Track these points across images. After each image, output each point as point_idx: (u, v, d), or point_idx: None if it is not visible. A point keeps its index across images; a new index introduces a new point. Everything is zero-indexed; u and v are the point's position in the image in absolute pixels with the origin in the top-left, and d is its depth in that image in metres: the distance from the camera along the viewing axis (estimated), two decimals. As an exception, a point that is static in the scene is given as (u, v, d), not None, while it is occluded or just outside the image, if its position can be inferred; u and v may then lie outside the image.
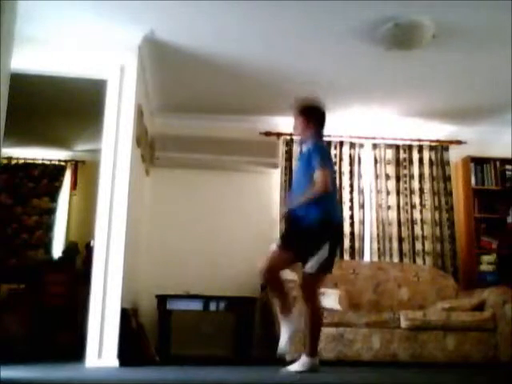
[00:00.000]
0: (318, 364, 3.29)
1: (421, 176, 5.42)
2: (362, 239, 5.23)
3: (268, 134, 5.41)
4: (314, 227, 3.21)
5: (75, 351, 3.73)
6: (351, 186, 5.33)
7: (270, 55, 4.24)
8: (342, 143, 5.39)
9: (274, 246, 3.31)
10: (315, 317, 3.32)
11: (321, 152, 3.33)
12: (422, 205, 5.35)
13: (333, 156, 5.10)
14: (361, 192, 5.30)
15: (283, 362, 3.93)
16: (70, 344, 4.37)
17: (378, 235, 5.26)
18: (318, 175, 3.21)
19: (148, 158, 5.07)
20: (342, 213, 5.07)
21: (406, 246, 5.24)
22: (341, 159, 5.37)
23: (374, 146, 5.45)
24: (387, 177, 5.40)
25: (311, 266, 3.23)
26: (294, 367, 3.27)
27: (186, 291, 4.60)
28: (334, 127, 5.07)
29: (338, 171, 5.27)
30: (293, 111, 3.53)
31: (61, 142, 6.10)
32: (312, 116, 3.47)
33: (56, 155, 6.28)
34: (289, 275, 4.48)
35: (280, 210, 5.20)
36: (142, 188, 4.93)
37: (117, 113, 3.88)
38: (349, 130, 5.41)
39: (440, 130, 5.52)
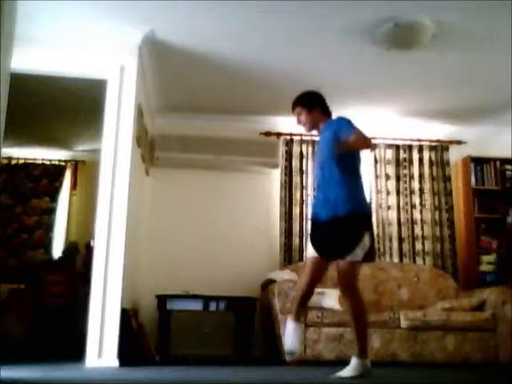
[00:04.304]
0: (370, 366, 3.02)
1: (421, 176, 5.42)
2: (361, 239, 5.22)
3: (268, 134, 5.41)
4: (348, 220, 2.99)
5: (75, 351, 3.73)
6: (351, 186, 5.33)
7: (270, 55, 4.25)
8: (342, 143, 5.39)
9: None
10: (357, 312, 3.03)
11: (349, 121, 3.06)
12: (422, 205, 5.35)
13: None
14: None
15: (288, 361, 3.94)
16: (69, 344, 4.37)
17: (378, 235, 5.25)
18: (354, 135, 2.95)
19: (148, 158, 5.07)
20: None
21: (406, 246, 5.24)
22: (341, 159, 5.37)
23: (374, 146, 5.45)
24: (387, 177, 5.40)
25: (355, 254, 2.96)
26: (345, 372, 2.97)
27: (186, 291, 4.60)
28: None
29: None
30: (292, 108, 3.33)
31: (61, 142, 6.10)
32: (312, 101, 3.27)
33: (56, 155, 6.27)
34: (289, 275, 4.49)
35: (280, 210, 5.21)
36: (142, 188, 4.93)
37: (117, 113, 3.88)
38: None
39: (440, 130, 5.52)
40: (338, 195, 3.02)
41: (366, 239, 2.99)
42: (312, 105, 3.26)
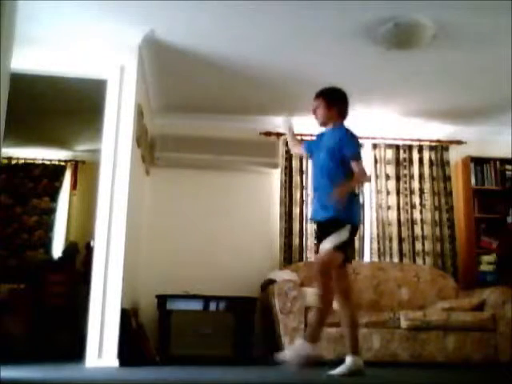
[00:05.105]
0: (361, 364, 3.08)
1: (421, 176, 5.41)
2: (361, 239, 5.22)
3: (268, 134, 5.41)
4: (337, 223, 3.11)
5: (75, 351, 3.73)
6: (351, 186, 5.33)
7: (270, 55, 4.24)
8: (342, 143, 5.39)
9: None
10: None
11: (356, 141, 3.26)
12: (422, 205, 5.34)
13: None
14: (361, 192, 5.30)
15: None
16: (69, 344, 4.37)
17: (377, 235, 5.25)
18: (357, 166, 3.15)
19: (148, 158, 5.07)
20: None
21: (406, 246, 5.24)
22: (341, 159, 5.37)
23: (374, 146, 5.45)
24: (387, 177, 5.39)
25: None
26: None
27: (186, 291, 4.60)
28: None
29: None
30: (314, 97, 3.36)
31: (61, 142, 6.10)
32: (334, 99, 3.31)
33: (56, 155, 6.28)
34: (289, 275, 4.49)
35: (280, 210, 5.21)
36: (141, 188, 4.93)
37: (117, 113, 3.88)
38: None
39: (440, 130, 5.51)
40: (331, 201, 3.13)
41: (344, 233, 3.08)
42: (333, 102, 3.30)
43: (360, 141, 5.18)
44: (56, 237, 6.08)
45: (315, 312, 3.19)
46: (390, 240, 5.26)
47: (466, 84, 4.67)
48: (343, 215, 3.11)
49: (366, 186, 5.37)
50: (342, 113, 3.33)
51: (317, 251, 3.30)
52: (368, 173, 3.37)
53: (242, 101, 5.11)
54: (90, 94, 4.24)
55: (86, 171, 6.20)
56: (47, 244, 6.02)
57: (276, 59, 4.31)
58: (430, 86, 4.74)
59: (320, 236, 3.27)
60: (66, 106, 5.04)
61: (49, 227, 6.07)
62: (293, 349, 3.11)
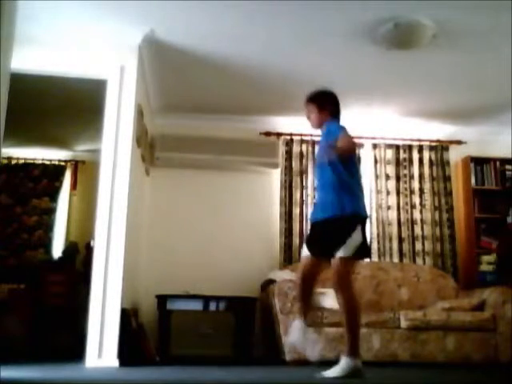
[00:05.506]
0: (361, 366, 2.92)
1: (421, 176, 5.42)
2: (361, 239, 5.21)
3: (268, 134, 5.41)
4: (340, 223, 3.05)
5: (75, 351, 3.73)
6: (351, 186, 5.32)
7: (270, 55, 4.24)
8: (342, 143, 5.38)
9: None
10: (349, 308, 3.00)
11: (344, 128, 3.12)
12: (422, 205, 5.34)
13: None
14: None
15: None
16: (70, 344, 4.37)
17: (377, 235, 5.25)
18: (341, 139, 2.97)
19: (148, 158, 5.07)
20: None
21: (406, 246, 5.24)
22: (341, 159, 5.37)
23: (374, 146, 5.45)
24: (387, 177, 5.40)
25: (345, 250, 2.99)
26: (333, 372, 2.90)
27: (186, 291, 4.60)
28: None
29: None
30: (305, 103, 3.34)
31: (61, 142, 6.11)
32: (324, 101, 3.30)
33: (56, 155, 6.28)
34: (289, 275, 4.49)
35: (280, 210, 5.21)
36: (142, 188, 4.93)
37: (117, 113, 3.88)
38: (349, 130, 5.39)
39: (440, 130, 5.52)
40: (330, 198, 3.11)
41: (356, 236, 3.02)
42: (323, 105, 3.29)
43: (360, 141, 5.31)
44: (56, 237, 6.08)
45: (346, 324, 3.01)
46: (390, 240, 5.26)
47: (465, 84, 4.68)
48: (347, 210, 3.04)
49: (367, 186, 5.37)
50: (334, 113, 3.31)
51: (317, 254, 3.12)
52: (354, 142, 3.17)
53: (241, 101, 5.11)
54: (90, 94, 4.24)
55: (86, 171, 6.20)
56: (47, 244, 6.02)
57: (276, 59, 4.31)
58: (430, 86, 4.74)
59: (316, 237, 3.16)
60: (66, 106, 5.04)
61: (49, 227, 6.07)
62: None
